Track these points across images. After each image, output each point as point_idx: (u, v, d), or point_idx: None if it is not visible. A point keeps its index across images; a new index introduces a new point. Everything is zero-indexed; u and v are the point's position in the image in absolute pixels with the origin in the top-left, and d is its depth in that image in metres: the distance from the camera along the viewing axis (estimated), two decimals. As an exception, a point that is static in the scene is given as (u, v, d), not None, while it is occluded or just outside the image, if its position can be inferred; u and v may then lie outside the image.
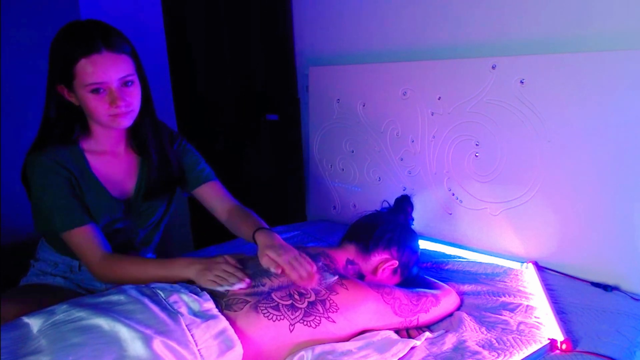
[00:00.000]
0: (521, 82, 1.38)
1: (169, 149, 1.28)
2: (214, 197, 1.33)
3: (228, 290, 1.00)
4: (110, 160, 1.22)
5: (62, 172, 1.13)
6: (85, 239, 1.12)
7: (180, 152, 1.32)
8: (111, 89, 1.08)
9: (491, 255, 1.50)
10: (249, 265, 1.10)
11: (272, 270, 1.04)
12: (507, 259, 1.47)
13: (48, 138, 1.14)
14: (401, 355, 0.97)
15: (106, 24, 1.11)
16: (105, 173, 1.21)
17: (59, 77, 1.09)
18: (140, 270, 1.09)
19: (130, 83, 1.11)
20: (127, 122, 1.13)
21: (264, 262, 1.05)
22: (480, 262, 1.48)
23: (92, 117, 1.14)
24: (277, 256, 1.04)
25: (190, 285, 1.03)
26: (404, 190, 1.70)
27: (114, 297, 0.93)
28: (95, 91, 1.07)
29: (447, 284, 1.26)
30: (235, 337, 0.89)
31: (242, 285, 1.01)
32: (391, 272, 1.20)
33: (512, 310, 1.16)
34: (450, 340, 1.03)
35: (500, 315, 1.14)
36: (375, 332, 1.03)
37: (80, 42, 1.05)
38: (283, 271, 1.04)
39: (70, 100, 1.12)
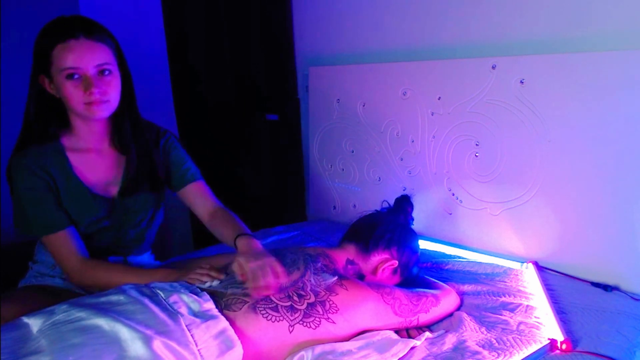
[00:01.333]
0: (521, 82, 1.38)
1: (152, 147, 1.27)
2: (197, 197, 1.32)
3: (227, 290, 1.00)
4: (93, 158, 1.21)
5: (44, 175, 1.13)
6: (62, 244, 1.14)
7: (166, 150, 1.31)
8: (86, 75, 1.08)
9: (491, 255, 1.50)
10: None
11: (237, 277, 1.03)
12: (507, 259, 1.47)
13: (29, 136, 1.15)
14: (401, 355, 0.97)
15: (90, 19, 1.13)
16: (87, 171, 1.20)
17: (39, 66, 1.10)
18: (116, 279, 1.10)
19: (107, 72, 1.10)
20: (102, 112, 1.12)
21: (234, 267, 1.04)
22: (480, 262, 1.48)
23: (68, 106, 1.13)
24: (245, 263, 1.01)
25: (190, 285, 1.03)
26: (404, 190, 1.70)
27: (114, 297, 0.93)
28: (70, 77, 1.07)
29: (447, 284, 1.26)
30: (235, 337, 0.89)
31: (213, 283, 1.04)
32: (391, 272, 1.21)
33: (512, 310, 1.16)
34: (450, 340, 1.03)
35: (500, 315, 1.14)
36: (375, 332, 1.03)
37: (59, 30, 1.07)
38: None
39: (51, 93, 1.12)
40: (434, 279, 1.29)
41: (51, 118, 1.16)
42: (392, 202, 1.39)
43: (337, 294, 1.01)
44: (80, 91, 1.08)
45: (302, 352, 0.94)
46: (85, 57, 1.07)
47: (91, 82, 1.08)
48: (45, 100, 1.14)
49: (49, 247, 1.16)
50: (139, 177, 1.24)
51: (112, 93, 1.12)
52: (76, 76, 1.08)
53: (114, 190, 1.24)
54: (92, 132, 1.20)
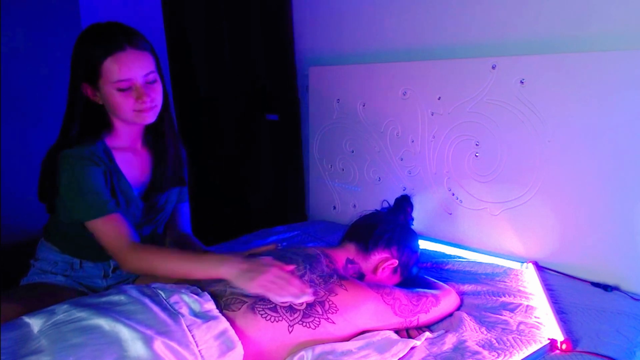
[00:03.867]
0: (521, 82, 1.38)
1: (182, 147, 1.33)
2: (176, 217, 1.39)
3: (229, 290, 1.00)
4: (131, 157, 1.25)
5: (100, 163, 1.15)
6: (117, 225, 1.12)
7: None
8: (136, 85, 1.11)
9: (491, 255, 1.50)
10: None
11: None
12: (507, 259, 1.47)
13: (74, 136, 1.15)
14: (401, 355, 0.97)
15: (126, 25, 1.15)
16: (126, 169, 1.23)
17: (84, 77, 1.12)
18: (172, 263, 1.07)
19: (153, 79, 1.14)
20: (151, 117, 1.16)
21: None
22: (480, 262, 1.48)
23: (116, 114, 1.16)
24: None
25: (191, 285, 1.03)
26: (404, 190, 1.70)
27: (115, 298, 0.93)
28: (122, 88, 1.10)
29: (447, 284, 1.27)
30: (235, 337, 0.89)
31: (307, 298, 0.94)
32: (391, 272, 1.21)
33: (512, 310, 1.16)
34: (450, 340, 1.03)
35: (500, 315, 1.14)
36: (375, 332, 1.03)
37: (105, 42, 1.09)
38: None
39: (94, 100, 1.15)
40: (434, 279, 1.29)
41: (97, 121, 1.18)
42: (392, 202, 1.39)
43: (336, 294, 1.01)
44: (132, 100, 1.12)
45: (302, 352, 0.94)
46: (134, 68, 1.10)
47: (142, 91, 1.12)
48: (88, 106, 1.16)
49: (102, 229, 1.12)
50: (170, 176, 1.28)
51: (158, 99, 1.16)
52: (127, 87, 1.11)
53: (145, 187, 1.27)
54: (131, 132, 1.23)
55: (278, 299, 0.94)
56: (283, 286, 0.94)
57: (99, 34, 1.11)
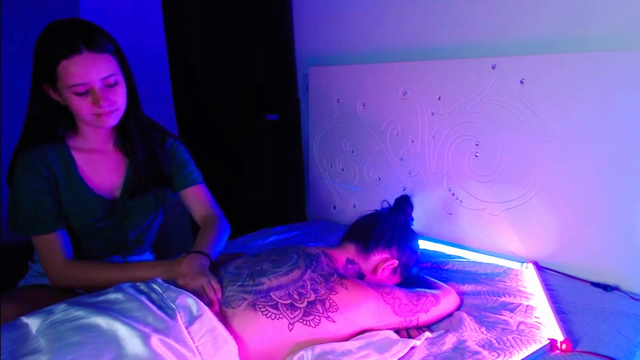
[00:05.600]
0: (521, 82, 1.38)
1: (157, 148, 1.27)
2: (194, 201, 1.34)
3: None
4: (98, 158, 1.22)
5: (47, 174, 1.13)
6: (48, 246, 1.15)
7: (170, 153, 1.32)
8: (93, 89, 1.07)
9: (491, 255, 1.50)
10: (243, 265, 1.10)
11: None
12: (507, 259, 1.47)
13: (34, 136, 1.15)
14: (401, 355, 0.97)
15: (88, 22, 1.11)
16: (92, 171, 1.20)
17: (43, 78, 1.09)
18: (100, 275, 1.12)
19: (113, 82, 1.10)
20: (112, 121, 1.13)
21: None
22: (480, 262, 1.48)
23: (77, 117, 1.14)
24: (184, 286, 1.02)
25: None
26: (404, 190, 1.70)
27: (112, 296, 0.93)
28: (78, 92, 1.07)
29: (447, 284, 1.26)
30: (226, 333, 0.89)
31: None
32: (391, 272, 1.20)
33: (512, 310, 1.16)
34: (450, 340, 1.03)
35: (500, 315, 1.14)
36: (375, 332, 1.03)
37: (60, 44, 1.05)
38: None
39: (56, 100, 1.12)
40: (434, 279, 1.29)
41: (57, 121, 1.16)
42: (392, 202, 1.39)
43: (337, 293, 1.01)
44: (89, 104, 1.09)
45: (302, 352, 0.94)
46: (90, 72, 1.06)
47: (99, 95, 1.08)
48: (50, 105, 1.14)
49: (35, 246, 1.17)
50: (142, 179, 1.25)
51: (120, 101, 1.13)
52: (84, 90, 1.07)
53: (117, 192, 1.24)
54: (97, 134, 1.21)
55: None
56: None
57: (56, 34, 1.06)
